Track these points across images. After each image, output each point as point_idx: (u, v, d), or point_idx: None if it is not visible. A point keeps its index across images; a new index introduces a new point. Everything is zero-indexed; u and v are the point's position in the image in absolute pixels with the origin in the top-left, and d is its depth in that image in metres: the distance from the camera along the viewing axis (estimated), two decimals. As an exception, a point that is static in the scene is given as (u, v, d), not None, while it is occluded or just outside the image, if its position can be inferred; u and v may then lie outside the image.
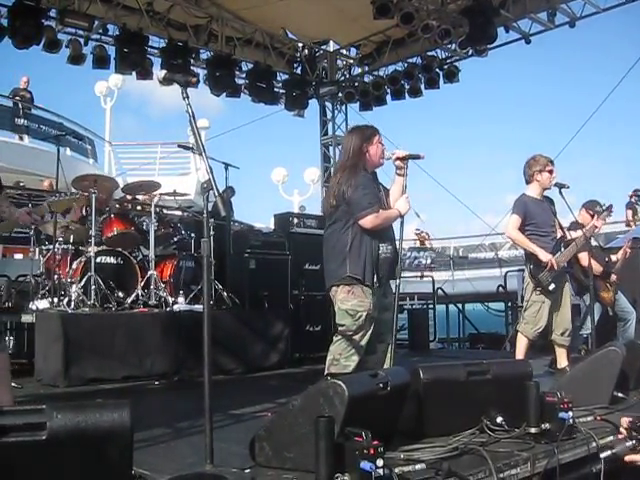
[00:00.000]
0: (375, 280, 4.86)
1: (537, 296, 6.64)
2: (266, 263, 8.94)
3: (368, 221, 4.82)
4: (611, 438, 3.90)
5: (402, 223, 5.04)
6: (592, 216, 7.60)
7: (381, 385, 3.11)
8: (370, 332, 4.85)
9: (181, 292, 8.10)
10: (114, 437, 2.18)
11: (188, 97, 3.16)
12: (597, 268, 7.48)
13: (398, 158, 5.03)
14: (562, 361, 6.70)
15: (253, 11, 12.11)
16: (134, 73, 11.78)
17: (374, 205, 4.86)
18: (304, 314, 9.18)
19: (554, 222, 6.85)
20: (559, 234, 6.83)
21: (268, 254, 9.00)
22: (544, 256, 6.51)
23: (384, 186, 5.26)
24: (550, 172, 6.75)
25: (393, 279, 5.03)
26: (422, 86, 13.41)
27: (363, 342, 4.85)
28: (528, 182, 6.85)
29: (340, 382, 2.89)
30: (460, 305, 14.12)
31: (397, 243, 5.10)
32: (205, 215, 3.02)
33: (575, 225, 7.38)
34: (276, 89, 13.80)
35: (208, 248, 2.94)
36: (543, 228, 6.70)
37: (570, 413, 3.55)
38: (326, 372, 4.80)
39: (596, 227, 6.97)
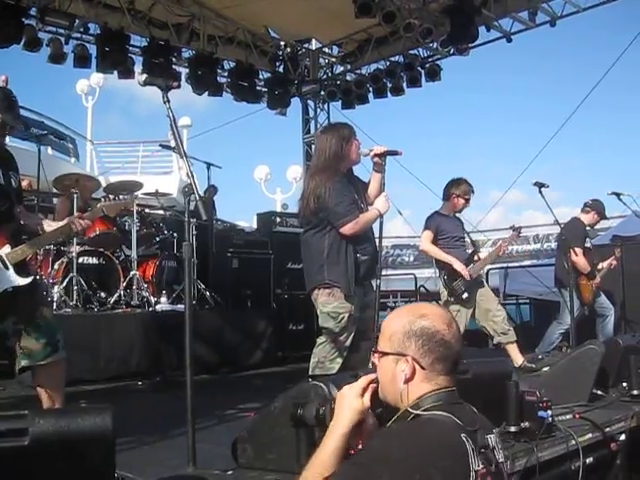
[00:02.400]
0: (354, 285, 4.87)
1: (452, 305, 6.88)
2: (249, 262, 8.97)
3: (348, 228, 4.79)
4: (590, 435, 3.97)
5: (381, 222, 5.04)
6: (600, 218, 7.85)
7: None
8: (352, 333, 4.86)
9: (164, 292, 8.12)
10: (96, 442, 2.19)
11: (169, 101, 3.17)
12: (585, 267, 7.58)
13: (376, 155, 4.95)
14: (517, 359, 6.88)
15: (235, 9, 12.08)
16: (115, 72, 11.73)
17: (353, 212, 4.83)
18: (287, 313, 9.20)
19: (465, 238, 7.26)
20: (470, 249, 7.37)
21: (251, 253, 9.02)
22: (458, 266, 6.81)
23: (361, 180, 5.24)
24: (467, 200, 7.15)
25: (373, 279, 5.05)
26: (404, 84, 13.44)
27: (347, 343, 4.87)
28: (445, 199, 7.20)
29: (321, 384, 2.91)
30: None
31: (377, 241, 5.11)
32: (187, 219, 3.04)
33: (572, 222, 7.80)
34: (258, 87, 13.75)
35: (190, 252, 2.96)
36: (454, 242, 7.05)
37: (549, 412, 3.58)
38: (310, 374, 4.80)
39: (506, 247, 7.38)
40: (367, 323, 4.96)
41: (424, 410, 2.00)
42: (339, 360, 4.82)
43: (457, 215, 7.27)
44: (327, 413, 2.29)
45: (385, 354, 2.10)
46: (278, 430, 2.98)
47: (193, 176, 2.97)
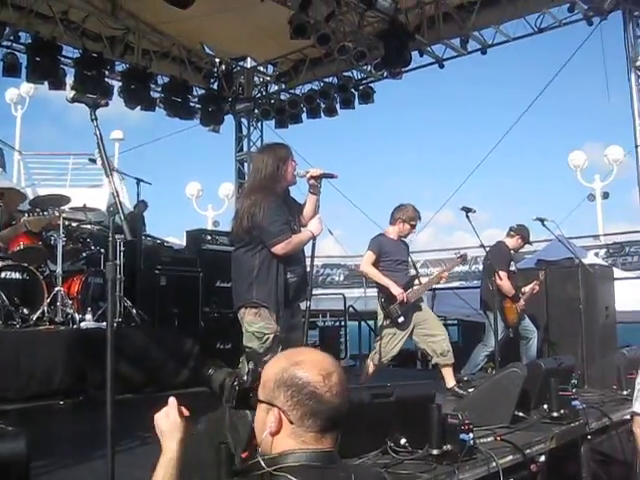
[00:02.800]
0: (286, 304, 4.87)
1: (388, 328, 6.98)
2: (177, 280, 8.88)
3: (280, 248, 4.77)
4: (510, 457, 4.04)
5: (314, 244, 5.06)
6: (524, 243, 8.01)
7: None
8: (278, 353, 4.85)
9: (89, 309, 7.94)
10: (10, 468, 2.13)
11: (96, 119, 3.11)
12: (509, 290, 7.72)
13: (312, 177, 4.97)
14: (449, 381, 6.96)
15: (171, 25, 12.04)
16: (46, 83, 11.53)
17: (286, 232, 4.82)
18: (215, 331, 9.13)
19: (408, 261, 7.30)
20: (413, 272, 7.40)
21: (179, 271, 8.93)
22: (395, 290, 6.84)
23: (296, 201, 5.25)
24: (412, 226, 7.26)
25: (302, 301, 5.05)
26: (338, 105, 13.58)
27: None
28: (391, 223, 7.27)
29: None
30: (373, 322, 14.25)
31: (307, 263, 5.12)
32: (111, 238, 2.99)
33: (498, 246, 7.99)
34: (192, 104, 13.74)
35: (113, 272, 2.91)
36: (396, 265, 7.10)
37: (471, 434, 3.65)
38: None
39: (448, 274, 7.46)
40: (293, 344, 4.96)
41: (277, 469, 1.83)
42: None
43: (403, 239, 7.33)
44: (227, 387, 2.24)
45: (259, 401, 1.95)
46: (200, 454, 2.94)
47: (118, 195, 2.93)
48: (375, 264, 7.03)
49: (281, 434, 1.87)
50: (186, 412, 2.23)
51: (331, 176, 5.05)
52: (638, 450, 4.47)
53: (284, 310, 4.86)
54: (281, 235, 4.79)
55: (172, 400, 2.22)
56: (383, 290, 6.98)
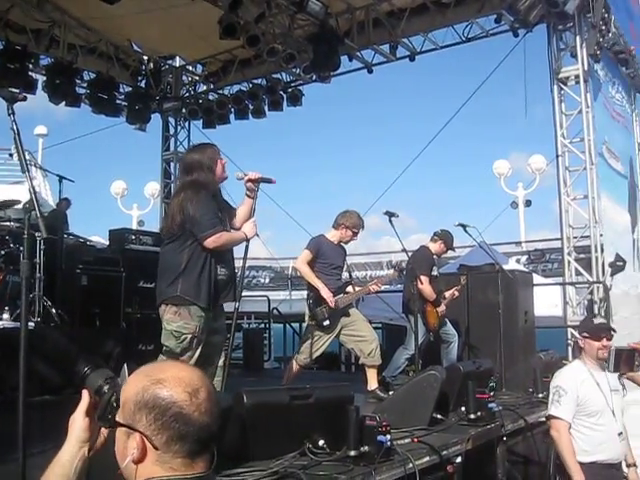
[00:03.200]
0: (209, 302, 4.84)
1: (313, 329, 7.04)
2: (99, 279, 8.71)
3: (211, 241, 4.75)
4: (427, 459, 4.11)
5: (247, 246, 5.07)
6: (447, 248, 8.12)
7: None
8: (197, 354, 4.82)
9: (6, 308, 7.74)
10: None
11: (14, 113, 3.05)
12: (431, 295, 7.83)
13: (250, 180, 5.01)
14: (372, 383, 7.04)
15: (99, 20, 11.82)
16: (-35, 75, 11.21)
17: (217, 226, 4.81)
18: (137, 332, 9.00)
19: (342, 267, 7.34)
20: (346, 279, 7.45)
21: (101, 270, 8.77)
22: (325, 293, 6.88)
23: (228, 203, 5.25)
24: (354, 233, 7.29)
25: (227, 302, 5.03)
26: (266, 107, 13.59)
27: (191, 363, 4.82)
28: (334, 227, 7.30)
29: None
30: (297, 325, 14.30)
31: (241, 264, 5.13)
32: (26, 236, 2.92)
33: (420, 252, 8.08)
34: (118, 101, 13.54)
35: (27, 270, 2.85)
36: (331, 269, 7.15)
37: (388, 436, 3.69)
38: None
39: (380, 285, 7.48)
40: (213, 348, 4.95)
41: None
42: None
43: (343, 244, 7.35)
44: (104, 400, 1.87)
45: (117, 424, 1.70)
46: (110, 459, 2.90)
47: (34, 191, 2.87)
48: (310, 264, 7.04)
49: (146, 462, 1.63)
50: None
51: (269, 181, 5.09)
52: (555, 451, 4.59)
53: (210, 310, 4.84)
54: (212, 228, 4.77)
55: (84, 395, 1.99)
56: (313, 291, 6.99)
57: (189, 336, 4.74)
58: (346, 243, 7.36)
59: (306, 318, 7.16)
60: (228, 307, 5.09)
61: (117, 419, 1.70)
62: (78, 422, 1.94)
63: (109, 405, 1.80)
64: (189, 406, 1.62)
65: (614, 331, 4.96)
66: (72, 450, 1.92)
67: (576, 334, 6.86)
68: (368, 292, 7.33)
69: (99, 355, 8.07)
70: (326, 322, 6.92)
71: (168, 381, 1.64)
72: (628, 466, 4.90)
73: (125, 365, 4.72)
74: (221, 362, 5.02)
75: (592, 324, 4.96)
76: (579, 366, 4.83)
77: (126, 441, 1.66)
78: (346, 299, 7.07)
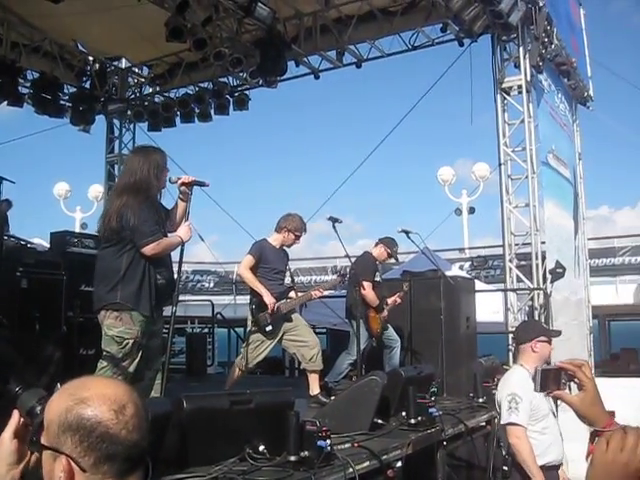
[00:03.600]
0: (151, 308, 4.81)
1: (255, 334, 7.05)
2: (39, 283, 8.54)
3: (150, 249, 4.75)
4: (367, 463, 4.13)
5: (182, 249, 5.04)
6: (389, 254, 8.18)
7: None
8: (138, 359, 4.78)
9: (-58, 311, 7.57)
10: None
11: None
12: (373, 300, 7.88)
13: (184, 183, 4.99)
14: (314, 388, 7.06)
15: (44, 19, 11.59)
16: None
17: (156, 233, 4.80)
18: (78, 337, 8.86)
19: (285, 271, 7.39)
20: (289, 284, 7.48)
21: (42, 273, 8.60)
22: (268, 299, 6.89)
23: (164, 207, 5.22)
24: (297, 237, 7.31)
25: (166, 306, 5.01)
26: (212, 111, 13.55)
27: (131, 369, 4.78)
28: (276, 231, 7.32)
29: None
30: (242, 330, 14.24)
31: (177, 268, 5.09)
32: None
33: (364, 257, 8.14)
34: (62, 102, 13.35)
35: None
36: (273, 274, 7.17)
37: (328, 441, 3.70)
38: None
39: (322, 292, 7.42)
40: (152, 352, 4.93)
41: None
42: None
43: (285, 248, 7.35)
44: (37, 412, 1.78)
45: (43, 447, 1.58)
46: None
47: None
48: (253, 269, 7.02)
49: None
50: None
51: (202, 184, 5.10)
52: (519, 460, 4.60)
53: (148, 315, 4.81)
54: (152, 236, 4.77)
55: (14, 416, 1.85)
56: (256, 296, 6.99)
57: (131, 341, 4.71)
58: (288, 247, 7.37)
59: (249, 323, 7.15)
60: (167, 310, 5.07)
61: (42, 441, 1.59)
62: (6, 444, 1.82)
63: (41, 428, 1.66)
64: (116, 425, 1.53)
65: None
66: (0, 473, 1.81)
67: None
68: (311, 298, 7.33)
69: (38, 359, 7.96)
70: (268, 327, 6.92)
71: (92, 400, 1.55)
72: None
73: (58, 385, 4.64)
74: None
75: (544, 327, 5.04)
76: (521, 371, 4.83)
77: (53, 464, 1.56)
78: (289, 304, 7.08)
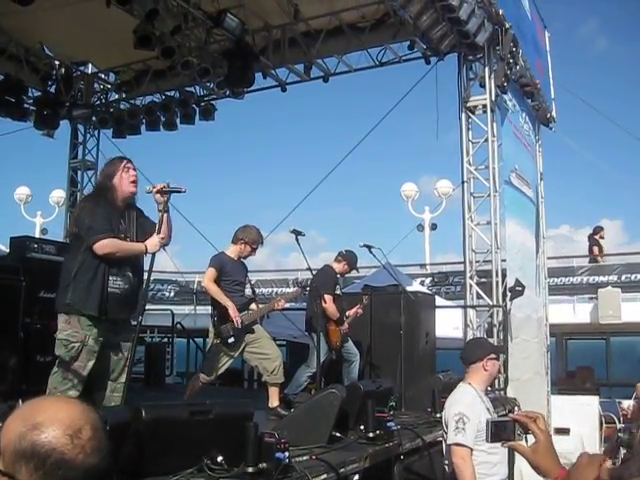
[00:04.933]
0: (100, 312, 4.77)
1: (217, 346, 7.04)
2: (-3, 288, 8.45)
3: (100, 246, 4.73)
4: (325, 476, 4.15)
5: (152, 260, 5.01)
6: (349, 268, 8.22)
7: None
8: (90, 365, 4.75)
9: None
10: None
11: None
12: (334, 313, 7.91)
13: (158, 191, 4.89)
14: (274, 401, 7.06)
15: (9, 19, 11.43)
16: None
17: (107, 231, 4.78)
18: (36, 343, 8.74)
19: (245, 283, 7.40)
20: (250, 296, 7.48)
21: (0, 278, 8.51)
22: (232, 312, 6.86)
23: (149, 219, 5.18)
24: (253, 249, 7.35)
25: (127, 317, 4.99)
26: (178, 120, 13.51)
27: (84, 374, 4.75)
28: (233, 242, 7.32)
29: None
30: (201, 340, 14.18)
31: (139, 280, 5.07)
32: None
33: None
34: (26, 105, 13.20)
35: None
36: (234, 285, 7.16)
37: (286, 453, 3.70)
38: None
39: (284, 303, 7.42)
40: (116, 364, 4.91)
41: None
42: (73, 393, 4.67)
43: (242, 260, 7.35)
44: None
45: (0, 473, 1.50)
46: None
47: None
48: (216, 281, 7.01)
49: None
50: None
51: (178, 191, 4.95)
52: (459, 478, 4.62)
53: (104, 321, 4.78)
54: (102, 233, 4.75)
55: None
56: (218, 308, 6.97)
57: (77, 344, 4.70)
58: (245, 258, 7.37)
59: (210, 335, 7.13)
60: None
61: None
62: None
63: None
64: (71, 450, 1.45)
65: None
66: None
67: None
68: (273, 309, 7.33)
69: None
70: (231, 339, 6.91)
71: (45, 425, 1.47)
72: None
73: (20, 401, 4.59)
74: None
75: (493, 345, 5.05)
76: (470, 390, 4.82)
77: None
78: (251, 316, 7.07)
